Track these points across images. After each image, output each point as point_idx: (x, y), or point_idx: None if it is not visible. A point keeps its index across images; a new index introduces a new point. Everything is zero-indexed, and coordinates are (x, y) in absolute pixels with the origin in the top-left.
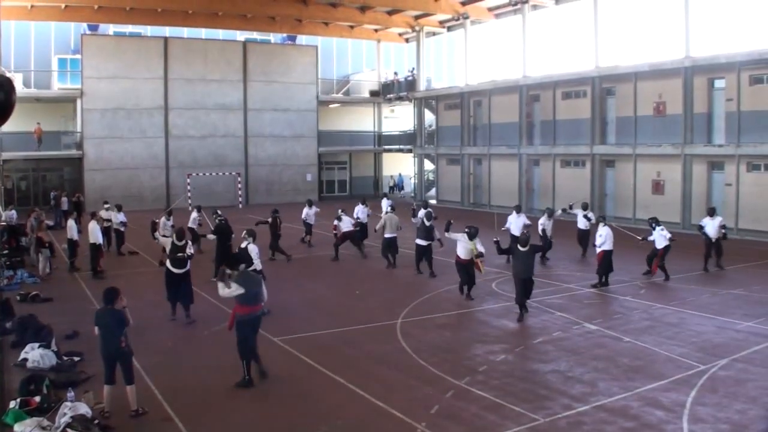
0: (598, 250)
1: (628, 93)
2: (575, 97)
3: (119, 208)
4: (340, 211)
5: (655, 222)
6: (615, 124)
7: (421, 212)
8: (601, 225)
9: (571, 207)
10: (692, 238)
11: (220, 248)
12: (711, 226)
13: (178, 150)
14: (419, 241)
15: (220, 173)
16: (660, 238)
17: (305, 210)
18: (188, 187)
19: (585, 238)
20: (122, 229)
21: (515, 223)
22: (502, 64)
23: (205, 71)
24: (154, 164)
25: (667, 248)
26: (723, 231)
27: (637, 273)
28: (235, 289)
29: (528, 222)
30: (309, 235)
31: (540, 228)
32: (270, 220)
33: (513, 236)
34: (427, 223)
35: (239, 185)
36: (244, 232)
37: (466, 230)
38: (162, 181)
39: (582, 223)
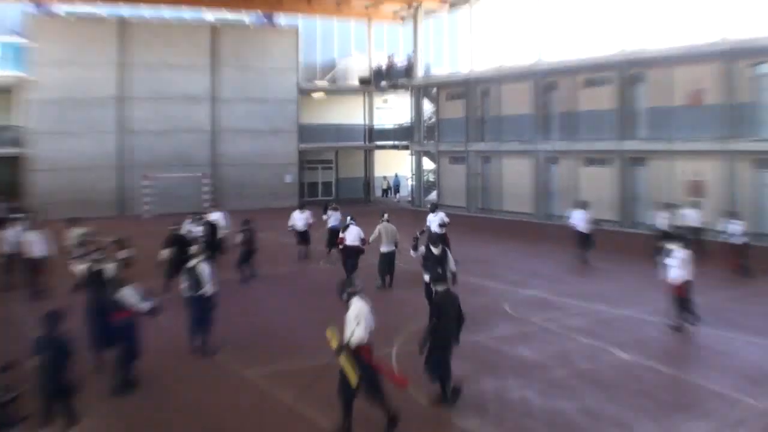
0: (670, 279)
1: (660, 80)
2: (599, 85)
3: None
4: (348, 218)
5: (731, 216)
6: (645, 116)
7: (433, 217)
8: (676, 248)
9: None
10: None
11: (176, 260)
12: None
13: (136, 147)
14: (427, 277)
15: (185, 174)
16: (736, 233)
17: (295, 214)
18: (146, 191)
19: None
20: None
21: (434, 222)
22: (514, 47)
23: (168, 56)
24: (107, 163)
25: (746, 244)
26: None
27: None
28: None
29: (447, 220)
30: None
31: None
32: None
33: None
34: (436, 251)
35: (206, 188)
36: (194, 247)
37: (351, 290)
38: (116, 183)
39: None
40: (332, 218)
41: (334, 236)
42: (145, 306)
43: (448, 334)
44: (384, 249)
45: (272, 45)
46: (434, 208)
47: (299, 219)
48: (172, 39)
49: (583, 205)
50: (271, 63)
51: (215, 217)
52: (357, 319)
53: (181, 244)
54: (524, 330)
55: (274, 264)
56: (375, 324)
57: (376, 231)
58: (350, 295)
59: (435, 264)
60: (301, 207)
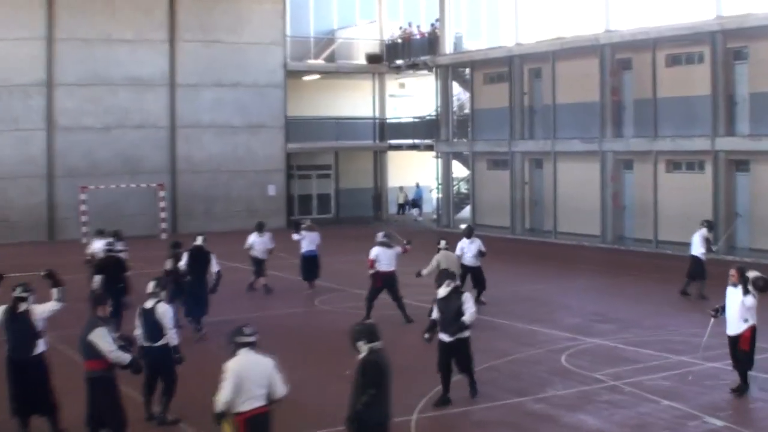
0: (745, 326)
1: (767, 56)
2: (687, 63)
3: None
4: (380, 235)
5: None
6: (749, 104)
7: (469, 245)
8: (739, 290)
9: None
10: None
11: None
12: None
13: (69, 149)
14: (443, 336)
15: (133, 185)
16: None
17: (252, 237)
18: (83, 207)
19: None
20: None
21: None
22: (574, 12)
23: (111, 27)
24: (31, 172)
25: None
26: None
27: None
28: None
29: (484, 249)
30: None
31: None
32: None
33: None
34: (443, 291)
35: (162, 204)
36: (151, 283)
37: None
38: (42, 197)
39: None
40: (307, 240)
41: (310, 265)
42: (124, 357)
43: (386, 414)
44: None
45: (250, 12)
46: (470, 232)
47: (259, 243)
48: (116, 4)
49: (710, 225)
50: (248, 36)
51: (97, 246)
52: (225, 376)
53: (115, 270)
54: (586, 390)
55: (256, 304)
56: (285, 387)
57: (434, 262)
58: (236, 346)
59: (454, 317)
60: (260, 228)
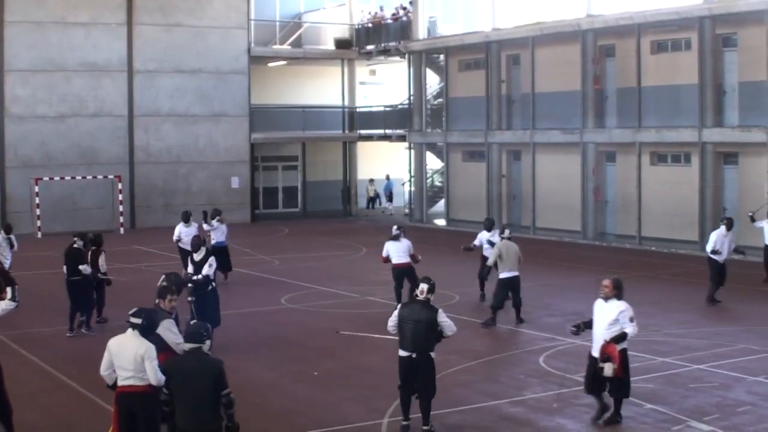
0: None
1: (757, 43)
2: (673, 50)
3: None
4: (395, 228)
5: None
6: (738, 94)
7: (489, 237)
8: (611, 305)
9: (753, 218)
10: None
11: (69, 282)
12: None
13: (21, 139)
14: (402, 352)
15: (89, 177)
16: None
17: (179, 228)
18: (36, 200)
19: None
20: None
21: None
22: None
23: (65, 9)
24: None
25: None
26: None
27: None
28: None
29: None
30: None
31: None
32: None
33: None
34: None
35: (120, 197)
36: (162, 278)
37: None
38: None
39: None
40: (218, 232)
41: (222, 256)
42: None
43: (183, 427)
44: (505, 274)
45: None
46: (492, 224)
47: (186, 234)
48: None
49: (729, 223)
50: (210, 19)
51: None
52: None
53: (74, 261)
54: (565, 393)
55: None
56: (156, 377)
57: (495, 250)
58: (127, 325)
59: (418, 328)
60: (186, 218)
